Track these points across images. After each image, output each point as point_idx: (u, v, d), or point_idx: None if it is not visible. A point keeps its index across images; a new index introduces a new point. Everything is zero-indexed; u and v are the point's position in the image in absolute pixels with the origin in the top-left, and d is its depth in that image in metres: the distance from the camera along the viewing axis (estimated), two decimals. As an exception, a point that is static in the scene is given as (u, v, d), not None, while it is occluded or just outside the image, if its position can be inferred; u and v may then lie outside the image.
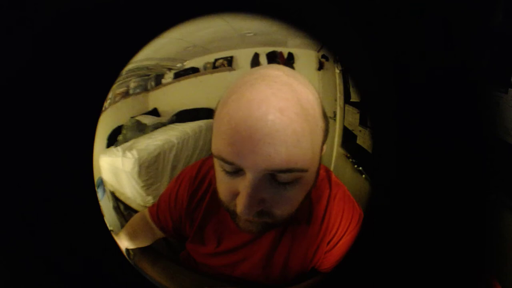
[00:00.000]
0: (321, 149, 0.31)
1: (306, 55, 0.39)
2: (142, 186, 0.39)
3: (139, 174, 0.39)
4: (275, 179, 0.26)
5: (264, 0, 0.39)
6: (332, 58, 0.39)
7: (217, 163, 0.29)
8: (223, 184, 0.29)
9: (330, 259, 0.37)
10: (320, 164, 0.31)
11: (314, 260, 0.37)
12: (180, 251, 0.40)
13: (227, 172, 0.28)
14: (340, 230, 0.36)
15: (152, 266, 0.40)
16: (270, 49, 0.38)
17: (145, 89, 0.39)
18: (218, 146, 0.26)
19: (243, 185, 0.26)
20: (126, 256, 0.40)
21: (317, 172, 0.31)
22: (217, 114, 0.27)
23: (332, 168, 0.38)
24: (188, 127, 0.40)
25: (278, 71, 0.29)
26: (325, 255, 0.37)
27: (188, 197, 0.35)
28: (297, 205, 0.31)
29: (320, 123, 0.28)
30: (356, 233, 0.37)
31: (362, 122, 0.38)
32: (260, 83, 0.26)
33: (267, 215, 0.29)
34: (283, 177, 0.26)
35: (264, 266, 0.37)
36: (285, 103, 0.25)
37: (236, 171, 0.27)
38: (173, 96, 0.40)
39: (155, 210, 0.39)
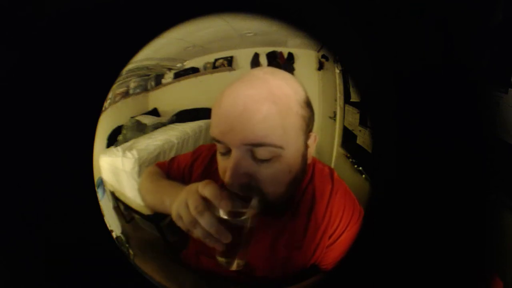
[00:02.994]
0: (306, 135, 0.34)
1: (306, 55, 0.39)
2: (142, 186, 0.39)
3: (139, 174, 0.39)
4: (255, 156, 0.31)
5: (264, 0, 0.39)
6: (332, 58, 0.39)
7: (217, 150, 0.34)
8: (220, 165, 0.34)
9: (331, 254, 0.38)
10: (305, 150, 0.35)
11: (316, 254, 0.38)
12: (180, 251, 0.40)
13: (222, 154, 0.33)
14: (342, 224, 0.37)
15: (152, 266, 0.40)
16: (270, 49, 0.38)
17: (145, 89, 0.39)
18: (212, 129, 0.33)
19: (230, 161, 0.32)
20: (126, 256, 0.40)
21: (303, 158, 0.35)
22: (212, 110, 0.34)
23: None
24: (188, 127, 0.40)
25: (260, 71, 0.35)
26: (326, 250, 0.38)
27: (201, 171, 0.37)
28: (285, 186, 0.34)
29: (296, 109, 0.33)
30: (357, 229, 0.37)
31: (362, 122, 0.38)
32: (240, 80, 0.33)
33: (256, 191, 0.33)
34: (260, 152, 0.31)
35: (268, 256, 0.37)
36: (255, 90, 0.32)
37: (226, 152, 0.32)
38: (173, 96, 0.40)
39: (167, 165, 0.39)
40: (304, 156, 0.35)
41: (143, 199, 0.39)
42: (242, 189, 0.32)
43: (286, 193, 0.35)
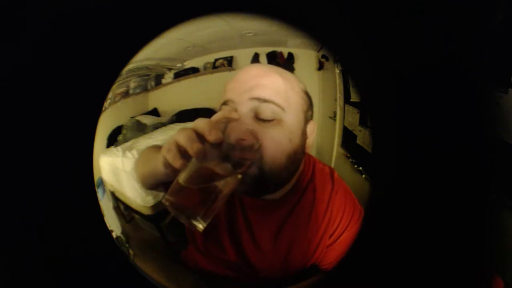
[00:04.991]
0: (305, 116, 0.36)
1: (306, 55, 0.39)
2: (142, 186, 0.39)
3: (139, 174, 0.39)
4: (258, 116, 0.33)
5: (264, 0, 0.39)
6: (332, 58, 0.39)
7: None
8: None
9: (332, 254, 0.38)
10: (305, 130, 0.36)
11: (316, 254, 0.38)
12: (180, 251, 0.40)
13: None
14: (342, 224, 0.38)
15: (152, 266, 0.40)
16: (270, 49, 0.38)
17: (145, 89, 0.39)
18: (223, 95, 0.35)
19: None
20: (126, 256, 0.40)
21: (302, 136, 0.36)
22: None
23: (332, 168, 0.39)
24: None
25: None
26: (327, 249, 0.38)
27: None
28: (284, 156, 0.34)
29: (298, 90, 0.35)
30: (357, 229, 0.38)
31: (362, 122, 0.38)
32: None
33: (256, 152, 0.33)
34: (264, 109, 0.33)
35: (269, 253, 0.38)
36: (265, 67, 0.36)
37: None
38: (173, 96, 0.40)
39: None
40: (304, 135, 0.36)
41: (136, 165, 0.38)
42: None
43: (283, 168, 0.35)
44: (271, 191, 0.36)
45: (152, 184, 0.37)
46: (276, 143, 0.34)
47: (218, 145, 0.30)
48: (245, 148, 0.32)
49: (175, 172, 0.30)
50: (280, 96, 0.34)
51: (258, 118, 0.33)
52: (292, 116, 0.34)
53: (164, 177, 0.32)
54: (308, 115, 0.37)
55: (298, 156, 0.36)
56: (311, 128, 0.37)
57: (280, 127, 0.34)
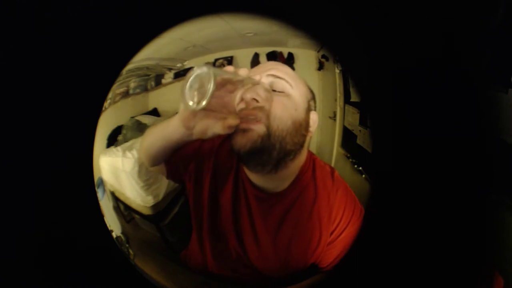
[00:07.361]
0: (308, 102, 0.39)
1: (306, 55, 0.39)
2: (142, 186, 0.39)
3: (139, 174, 0.39)
4: (272, 89, 0.38)
5: (264, 0, 0.39)
6: (332, 58, 0.39)
7: None
8: None
9: (333, 252, 0.38)
10: (308, 111, 0.39)
11: (317, 251, 0.38)
12: (180, 251, 0.40)
13: None
14: (343, 221, 0.38)
15: (151, 266, 0.40)
16: (270, 49, 0.38)
17: (145, 89, 0.39)
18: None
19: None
20: (126, 256, 0.40)
21: (306, 115, 0.38)
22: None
23: (332, 168, 0.39)
24: (188, 127, 0.40)
25: None
26: (327, 247, 0.38)
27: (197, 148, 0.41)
28: (289, 121, 0.37)
29: (302, 81, 0.40)
30: (357, 227, 0.38)
31: (362, 122, 0.38)
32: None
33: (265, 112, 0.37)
34: (276, 84, 0.38)
35: (270, 249, 0.38)
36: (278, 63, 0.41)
37: None
38: (173, 96, 0.40)
39: None
40: (307, 114, 0.38)
41: (147, 130, 0.39)
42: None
43: (289, 132, 0.36)
44: (273, 161, 0.37)
45: (160, 147, 0.38)
46: (283, 106, 0.37)
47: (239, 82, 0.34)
48: (257, 107, 0.35)
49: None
50: (290, 77, 0.39)
51: (273, 90, 0.38)
52: (298, 94, 0.38)
53: (176, 133, 0.35)
54: (311, 104, 0.39)
55: (302, 131, 0.37)
56: (314, 117, 0.38)
57: (288, 97, 0.38)
